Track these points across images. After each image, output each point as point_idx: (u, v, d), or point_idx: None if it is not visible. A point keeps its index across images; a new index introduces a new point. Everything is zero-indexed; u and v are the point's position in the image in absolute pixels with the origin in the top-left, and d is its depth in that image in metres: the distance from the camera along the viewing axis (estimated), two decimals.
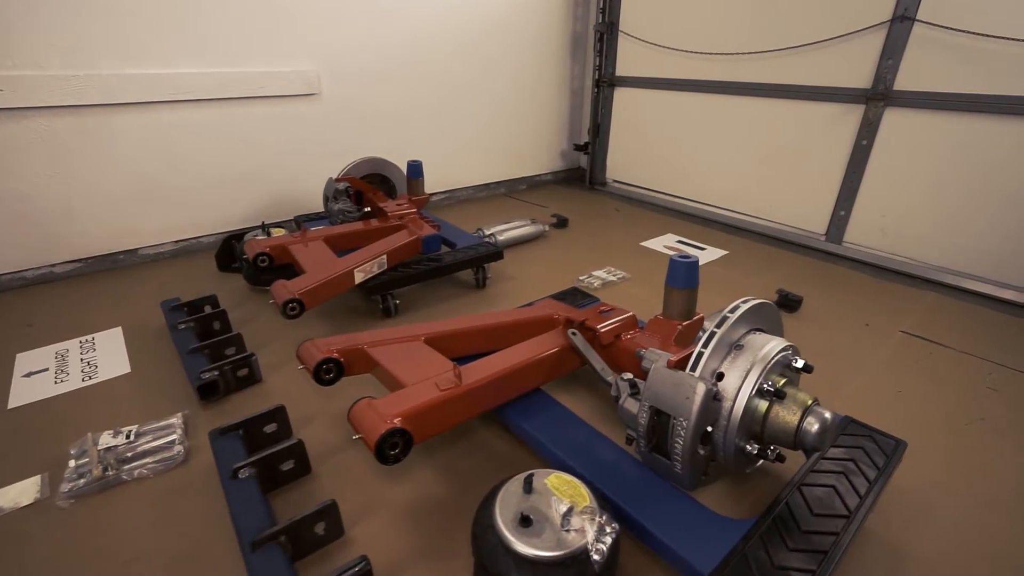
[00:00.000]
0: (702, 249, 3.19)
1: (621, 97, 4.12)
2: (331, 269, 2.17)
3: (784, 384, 1.21)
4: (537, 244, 3.20)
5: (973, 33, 2.47)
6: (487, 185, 4.19)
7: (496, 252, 2.59)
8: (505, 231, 3.16)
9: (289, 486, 1.50)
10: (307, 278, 2.10)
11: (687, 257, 1.49)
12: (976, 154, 2.59)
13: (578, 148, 4.48)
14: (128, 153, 2.73)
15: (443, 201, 3.98)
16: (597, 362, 1.45)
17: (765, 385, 1.16)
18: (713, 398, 1.14)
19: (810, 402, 1.18)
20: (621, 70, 4.06)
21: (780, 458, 1.22)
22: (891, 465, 1.32)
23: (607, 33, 4.01)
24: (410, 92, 3.54)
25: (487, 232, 3.13)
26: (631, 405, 1.26)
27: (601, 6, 3.97)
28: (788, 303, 2.46)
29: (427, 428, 1.30)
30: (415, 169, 2.76)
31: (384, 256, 2.31)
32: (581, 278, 2.71)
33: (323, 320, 2.35)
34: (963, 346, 2.23)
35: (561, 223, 3.49)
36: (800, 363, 1.22)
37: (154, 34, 2.62)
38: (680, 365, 1.23)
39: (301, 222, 3.03)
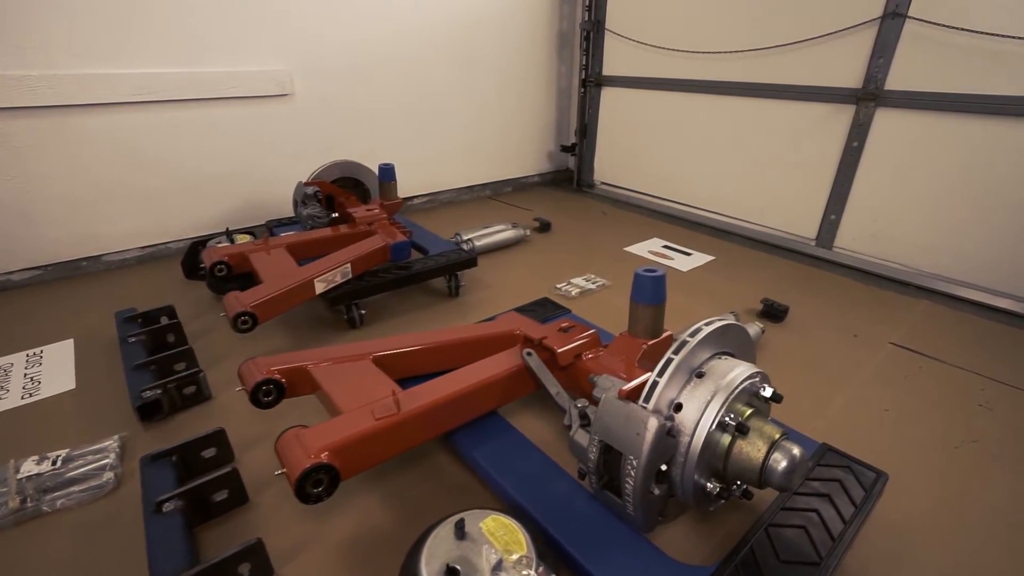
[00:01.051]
0: (688, 254, 3.08)
1: (608, 97, 4.01)
2: (289, 279, 2.06)
3: (750, 415, 1.10)
4: (517, 249, 3.10)
5: (967, 30, 2.36)
6: (471, 187, 4.08)
7: (469, 259, 2.48)
8: (484, 236, 3.06)
9: (223, 518, 1.39)
10: (262, 289, 1.99)
11: (653, 271, 1.38)
12: (971, 157, 2.48)
13: (565, 149, 4.37)
14: (89, 155, 2.62)
15: (425, 204, 3.87)
16: (552, 386, 1.34)
17: (727, 418, 1.05)
18: (668, 433, 1.03)
19: (778, 436, 1.07)
20: (608, 69, 3.95)
21: (747, 495, 1.11)
22: (870, 501, 1.21)
23: (593, 31, 3.89)
24: (389, 92, 3.44)
25: (465, 237, 3.02)
26: (581, 437, 1.15)
27: (587, 4, 3.86)
28: (773, 313, 2.35)
29: (359, 462, 1.20)
30: (387, 172, 2.66)
31: (348, 265, 2.21)
32: (558, 286, 2.60)
33: (286, 331, 2.24)
34: (956, 359, 2.12)
35: (544, 227, 3.38)
36: (768, 392, 1.11)
37: (113, 33, 2.52)
38: (634, 394, 1.12)
39: (272, 227, 2.93)
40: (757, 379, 1.12)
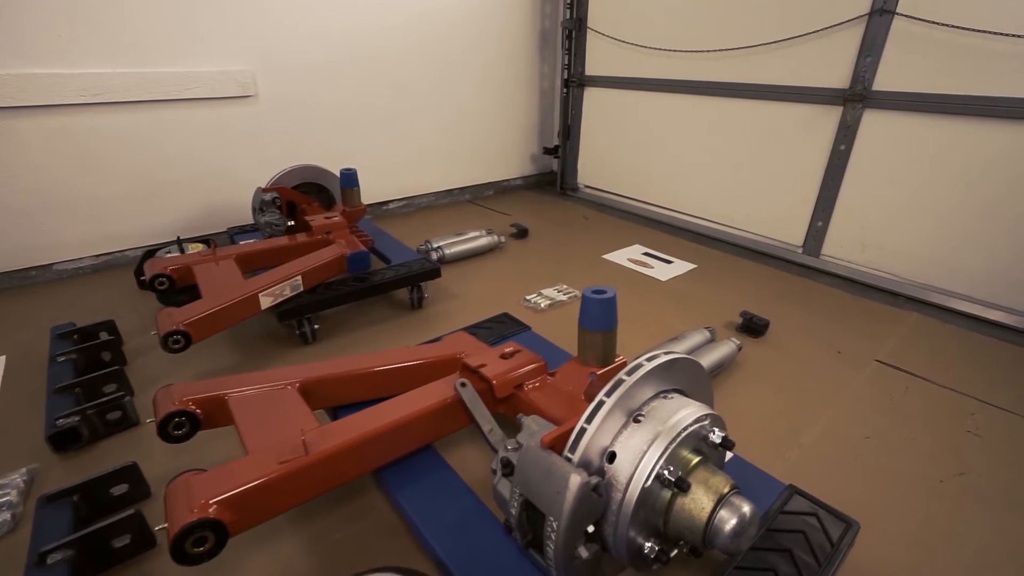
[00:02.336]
0: (669, 262, 2.94)
1: (591, 98, 3.87)
2: (231, 293, 1.92)
3: (696, 465, 0.97)
4: (491, 257, 2.96)
5: (958, 28, 2.22)
6: (450, 191, 3.94)
7: (432, 270, 2.35)
8: (455, 244, 2.92)
9: (125, 566, 1.25)
10: (200, 305, 1.86)
11: (603, 291, 1.24)
12: (963, 161, 2.34)
13: (548, 152, 4.24)
14: (34, 160, 2.49)
15: (401, 209, 3.73)
16: (485, 422, 1.20)
17: (666, 471, 0.91)
18: (594, 490, 0.89)
19: (726, 490, 0.93)
20: (591, 69, 3.81)
21: (695, 552, 0.98)
22: (837, 556, 1.07)
23: (575, 30, 3.76)
24: (360, 93, 3.30)
25: (435, 245, 2.88)
26: (504, 488, 1.01)
27: (568, 1, 3.72)
28: (753, 327, 2.21)
29: (255, 514, 1.06)
30: (349, 178, 2.52)
31: (299, 277, 2.07)
32: (528, 297, 2.46)
33: (234, 348, 2.11)
34: (945, 378, 1.98)
35: (520, 233, 3.24)
36: (718, 438, 0.97)
37: (57, 31, 2.39)
38: (561, 441, 0.98)
39: (234, 235, 2.79)
40: (707, 422, 0.99)
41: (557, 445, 0.96)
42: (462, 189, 4.01)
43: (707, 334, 2.06)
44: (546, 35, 4.01)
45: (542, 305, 2.39)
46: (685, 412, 0.98)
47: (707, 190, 3.31)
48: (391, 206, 3.69)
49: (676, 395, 1.04)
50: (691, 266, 2.90)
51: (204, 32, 2.73)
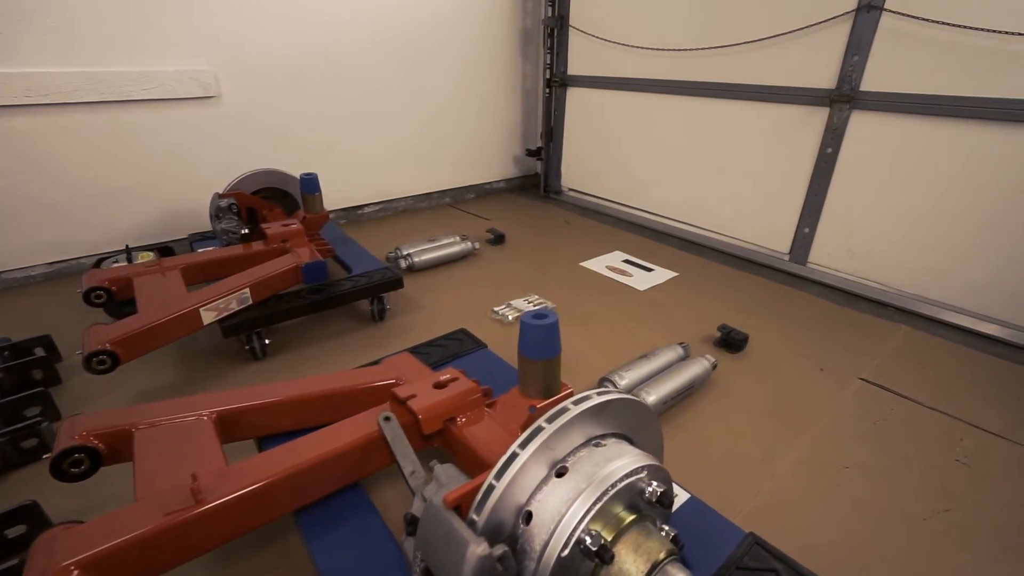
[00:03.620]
0: (649, 270, 2.81)
1: (574, 98, 3.74)
2: (169, 308, 1.80)
3: (630, 524, 0.84)
4: (464, 265, 2.83)
5: (950, 25, 2.09)
6: (429, 195, 3.82)
7: (394, 280, 2.22)
8: (426, 251, 2.79)
9: None
10: (132, 321, 1.73)
11: (544, 315, 1.11)
12: (956, 166, 2.21)
13: (531, 154, 4.10)
14: None
15: (377, 213, 3.60)
16: (407, 463, 1.07)
17: (587, 537, 0.78)
18: (499, 561, 0.76)
19: (661, 557, 0.80)
20: (573, 68, 3.68)
21: None
22: None
23: (557, 28, 3.62)
24: (331, 93, 3.17)
25: (404, 252, 2.76)
26: (408, 547, 0.88)
27: None
28: (731, 342, 2.08)
29: None
30: (309, 183, 2.39)
31: (246, 290, 1.94)
32: (497, 309, 2.34)
33: (177, 366, 1.98)
34: (934, 399, 1.85)
35: (497, 239, 3.11)
36: (656, 492, 0.84)
37: None
38: (470, 498, 0.85)
39: (194, 241, 2.67)
40: (643, 474, 0.86)
41: (465, 503, 0.83)
42: (442, 192, 3.88)
43: (680, 351, 1.93)
44: (528, 33, 3.88)
45: (510, 318, 2.27)
46: (619, 463, 0.86)
47: (692, 194, 3.18)
48: (366, 210, 3.57)
49: (613, 441, 0.91)
50: (672, 274, 2.77)
51: (164, 29, 2.61)
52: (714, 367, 1.87)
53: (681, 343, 1.97)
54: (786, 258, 2.82)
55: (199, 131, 2.83)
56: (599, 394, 0.90)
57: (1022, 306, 2.14)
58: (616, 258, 2.98)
